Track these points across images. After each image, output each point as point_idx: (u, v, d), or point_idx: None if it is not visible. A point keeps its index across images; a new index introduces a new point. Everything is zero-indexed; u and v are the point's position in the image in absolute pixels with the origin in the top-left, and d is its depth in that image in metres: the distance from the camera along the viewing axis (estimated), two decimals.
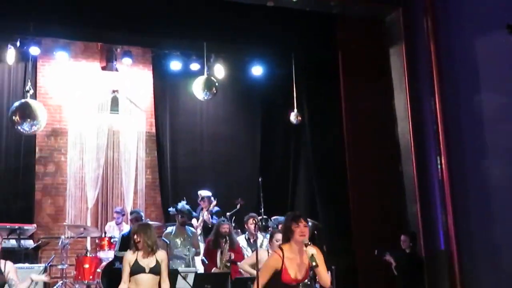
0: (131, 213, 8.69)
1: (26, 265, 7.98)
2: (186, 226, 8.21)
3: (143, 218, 8.58)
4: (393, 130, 8.65)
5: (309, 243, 4.24)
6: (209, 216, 8.88)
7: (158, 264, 5.59)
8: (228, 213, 9.02)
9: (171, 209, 8.45)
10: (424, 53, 7.79)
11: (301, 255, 4.32)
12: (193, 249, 8.01)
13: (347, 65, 8.73)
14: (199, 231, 8.77)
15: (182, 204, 8.34)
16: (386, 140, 8.54)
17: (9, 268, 5.64)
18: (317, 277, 4.51)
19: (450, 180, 7.21)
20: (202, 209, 9.06)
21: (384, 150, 8.49)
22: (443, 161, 7.21)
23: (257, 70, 10.57)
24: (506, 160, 6.83)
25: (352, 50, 8.76)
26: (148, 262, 5.57)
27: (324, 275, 4.37)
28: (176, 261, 7.82)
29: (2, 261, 5.65)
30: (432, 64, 7.54)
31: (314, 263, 4.14)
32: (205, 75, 9.76)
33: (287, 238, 4.38)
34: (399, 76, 8.51)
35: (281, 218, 7.91)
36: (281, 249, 4.33)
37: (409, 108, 8.20)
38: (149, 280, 5.55)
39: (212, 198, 9.18)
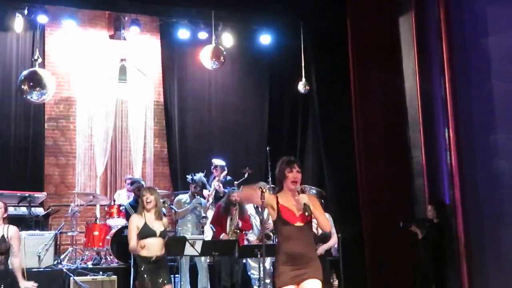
0: (132, 183, 8.71)
1: (37, 232, 8.14)
2: (198, 196, 8.44)
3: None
4: (401, 100, 8.60)
5: (302, 190, 4.31)
6: (220, 185, 8.97)
7: (165, 229, 5.82)
8: (236, 182, 9.09)
9: (188, 177, 8.57)
10: (433, 22, 7.68)
11: (296, 198, 4.35)
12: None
13: (356, 34, 8.63)
14: (210, 199, 8.88)
15: (200, 176, 8.53)
16: (394, 110, 8.48)
17: (12, 233, 5.61)
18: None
19: (457, 151, 7.16)
20: (214, 177, 9.14)
21: (392, 120, 8.45)
22: (451, 132, 7.15)
23: (265, 39, 10.48)
24: None
25: (361, 19, 8.65)
26: (157, 226, 5.75)
27: (322, 220, 4.43)
28: (192, 214, 8.20)
29: (5, 226, 5.63)
30: (442, 34, 7.43)
31: (307, 213, 4.24)
32: (213, 44, 9.72)
33: (280, 182, 4.46)
34: (409, 46, 8.42)
35: None
36: (276, 194, 4.44)
37: (417, 79, 8.13)
38: (157, 244, 5.74)
39: (225, 167, 9.26)
